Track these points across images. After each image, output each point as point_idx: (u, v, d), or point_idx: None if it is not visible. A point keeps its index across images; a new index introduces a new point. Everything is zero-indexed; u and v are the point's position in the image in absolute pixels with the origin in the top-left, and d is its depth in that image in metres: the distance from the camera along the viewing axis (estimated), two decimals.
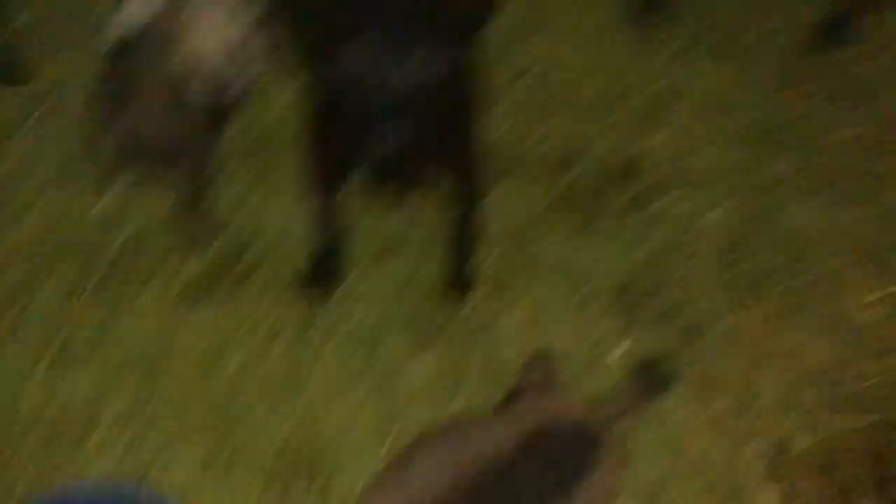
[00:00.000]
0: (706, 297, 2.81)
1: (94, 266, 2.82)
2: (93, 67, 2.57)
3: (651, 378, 2.15)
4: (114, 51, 2.47)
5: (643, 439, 2.60)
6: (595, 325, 2.75)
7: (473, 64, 2.19)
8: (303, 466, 2.49)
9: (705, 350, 2.71)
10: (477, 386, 2.62)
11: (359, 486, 2.46)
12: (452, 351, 2.69)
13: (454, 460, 1.90)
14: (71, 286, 2.80)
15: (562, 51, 3.32)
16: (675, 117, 3.21)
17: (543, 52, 3.29)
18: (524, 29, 3.33)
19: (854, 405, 2.59)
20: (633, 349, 2.68)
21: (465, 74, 2.07)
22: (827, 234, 2.93)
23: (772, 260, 2.88)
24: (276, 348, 2.68)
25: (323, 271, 2.69)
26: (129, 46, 2.45)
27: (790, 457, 2.51)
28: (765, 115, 3.25)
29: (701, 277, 2.85)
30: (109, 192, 2.98)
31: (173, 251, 2.84)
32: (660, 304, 2.80)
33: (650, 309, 2.78)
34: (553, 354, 2.30)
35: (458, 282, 2.76)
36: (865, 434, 2.52)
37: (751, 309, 2.78)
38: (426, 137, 1.98)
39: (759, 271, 2.86)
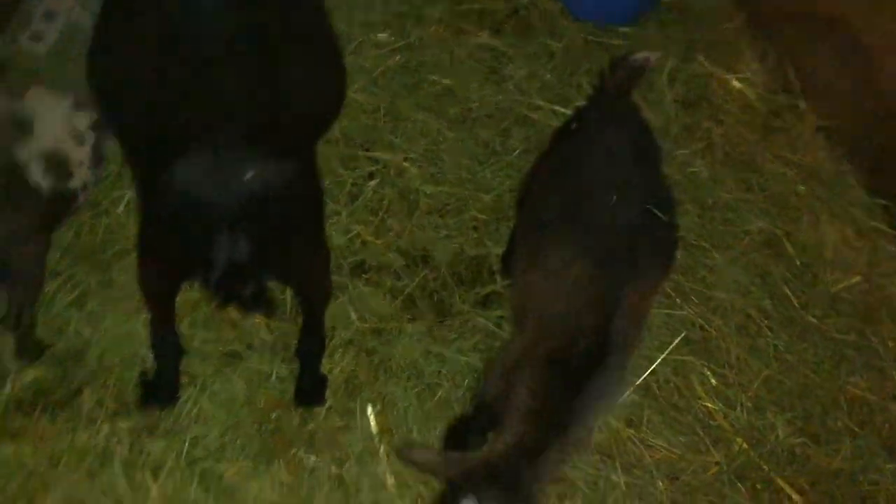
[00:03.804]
0: None
1: None
2: None
3: None
4: None
5: None
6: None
7: (311, 172, 2.18)
8: None
9: None
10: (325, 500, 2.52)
11: None
12: (301, 464, 2.58)
13: None
14: None
15: (401, 162, 3.37)
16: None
17: (384, 161, 3.33)
18: (373, 133, 3.38)
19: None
20: None
21: (302, 184, 2.04)
22: None
23: None
24: (108, 473, 2.47)
25: (160, 388, 2.54)
26: None
27: None
28: None
29: None
30: None
31: None
32: None
33: None
34: None
35: (309, 391, 2.67)
36: None
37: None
38: (262, 250, 1.92)
39: None
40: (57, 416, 2.55)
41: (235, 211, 1.83)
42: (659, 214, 2.45)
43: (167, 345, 2.39)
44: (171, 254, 2.00)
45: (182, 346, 2.47)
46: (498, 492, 2.16)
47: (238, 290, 1.99)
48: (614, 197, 2.45)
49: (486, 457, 2.25)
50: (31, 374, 2.58)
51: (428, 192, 3.27)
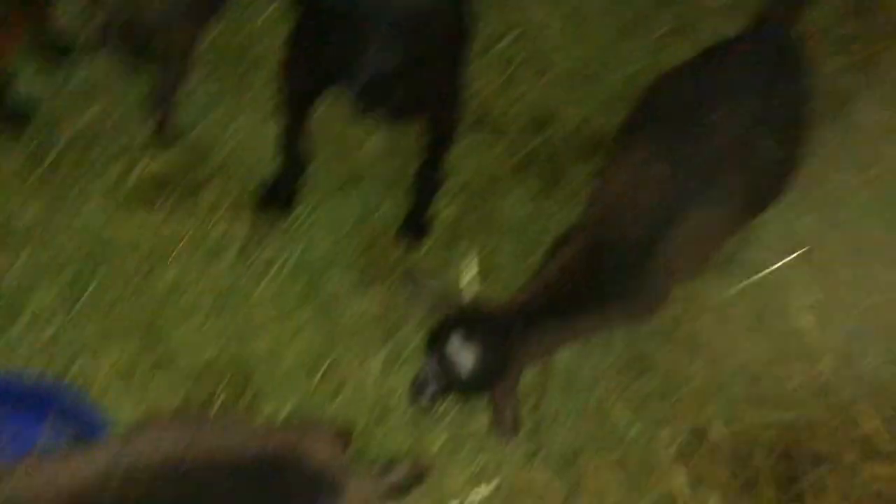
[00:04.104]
0: None
1: (47, 148, 2.73)
2: None
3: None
4: None
5: (566, 406, 2.66)
6: None
7: (467, 5, 2.16)
8: (228, 385, 2.48)
9: (641, 329, 2.75)
10: (412, 334, 2.62)
11: (284, 413, 2.47)
12: (396, 294, 2.68)
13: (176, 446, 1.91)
14: (19, 166, 2.70)
15: (545, 19, 3.29)
16: None
17: (526, 17, 3.26)
18: None
19: (773, 403, 2.68)
20: None
21: (457, 12, 2.03)
22: None
23: None
24: (218, 265, 2.64)
25: (279, 194, 2.64)
26: None
27: (705, 443, 2.59)
28: None
29: None
30: (85, 67, 2.87)
31: (131, 147, 2.75)
32: None
33: None
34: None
35: (415, 226, 2.74)
36: (778, 432, 2.60)
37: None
38: (412, 67, 1.94)
39: None
40: (178, 205, 2.71)
41: (392, 21, 1.84)
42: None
43: (294, 154, 2.47)
44: (320, 57, 2.03)
45: (307, 159, 2.54)
46: (484, 336, 2.24)
47: (378, 101, 2.02)
48: (718, 118, 2.38)
49: (490, 306, 2.33)
50: (161, 159, 2.72)
51: (563, 56, 3.21)
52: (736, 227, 2.63)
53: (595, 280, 2.32)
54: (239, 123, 2.82)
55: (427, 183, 2.60)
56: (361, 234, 2.76)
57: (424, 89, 2.12)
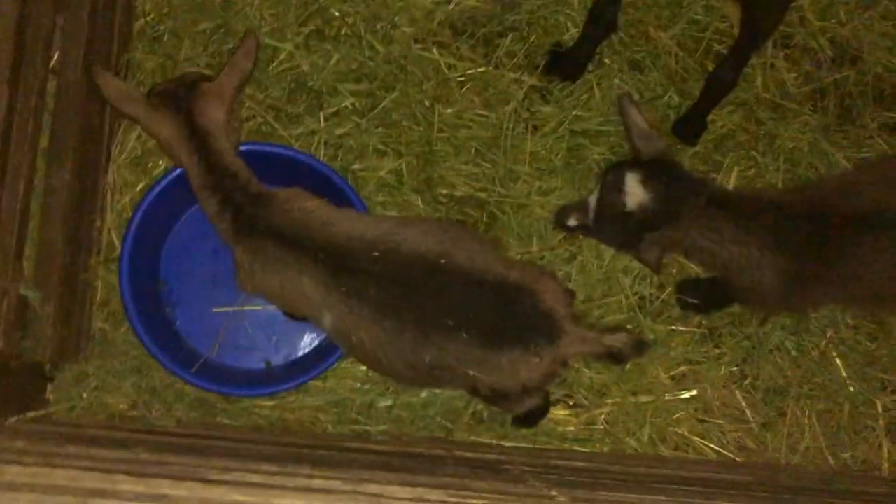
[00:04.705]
0: None
1: None
2: None
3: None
4: None
5: (785, 343, 2.74)
6: None
7: None
8: (478, 221, 2.69)
9: None
10: None
11: (524, 258, 2.64)
12: None
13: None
14: None
15: None
16: None
17: None
18: None
19: None
20: None
21: None
22: None
23: None
24: (498, 110, 2.78)
25: (574, 58, 2.72)
26: None
27: None
28: None
29: None
30: None
31: None
32: None
33: None
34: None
35: (692, 125, 2.75)
36: None
37: None
38: None
39: None
40: (476, 48, 2.85)
41: None
42: None
43: (603, 19, 2.50)
44: None
45: (611, 30, 2.58)
46: (658, 186, 2.33)
47: None
48: None
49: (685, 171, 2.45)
50: (471, 2, 2.85)
51: None
52: None
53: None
54: None
55: (720, 84, 2.56)
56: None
57: None
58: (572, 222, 2.49)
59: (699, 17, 2.89)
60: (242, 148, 2.46)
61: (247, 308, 2.66)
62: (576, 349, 2.19)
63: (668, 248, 2.47)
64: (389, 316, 2.12)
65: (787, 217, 2.34)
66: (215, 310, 2.68)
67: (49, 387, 2.51)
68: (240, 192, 2.25)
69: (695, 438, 2.67)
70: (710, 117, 2.77)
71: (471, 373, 2.14)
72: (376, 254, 2.12)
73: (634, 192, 2.34)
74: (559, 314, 2.16)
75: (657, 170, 2.36)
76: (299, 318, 2.50)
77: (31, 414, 2.37)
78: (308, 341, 2.69)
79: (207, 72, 2.59)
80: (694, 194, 2.36)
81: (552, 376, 2.23)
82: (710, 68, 2.73)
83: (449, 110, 2.78)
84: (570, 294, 2.48)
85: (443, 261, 2.12)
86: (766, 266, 2.34)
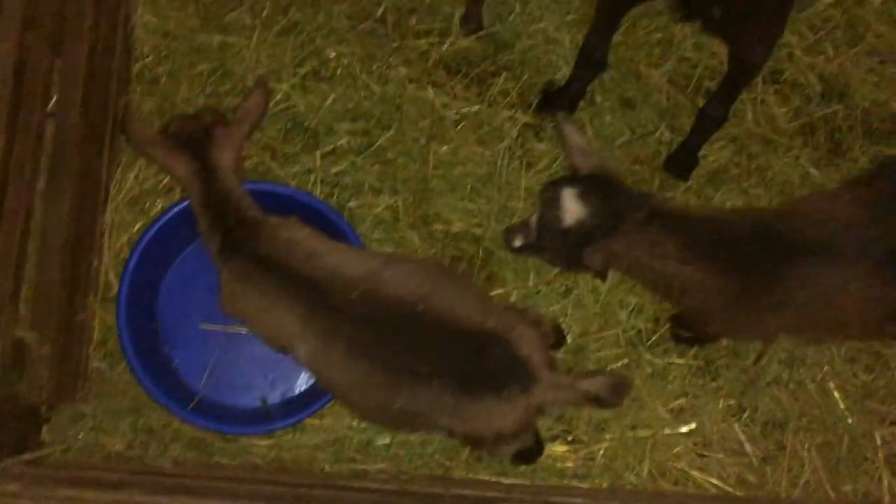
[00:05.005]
0: None
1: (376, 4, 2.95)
2: None
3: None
4: None
5: (782, 376, 2.74)
6: None
7: None
8: (472, 258, 2.71)
9: None
10: None
11: (513, 297, 2.65)
12: None
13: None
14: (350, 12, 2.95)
15: None
16: None
17: None
18: None
19: None
20: None
21: None
22: None
23: None
24: (492, 148, 2.82)
25: (566, 96, 2.75)
26: None
27: None
28: None
29: None
30: None
31: (441, 27, 2.95)
32: None
33: None
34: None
35: (684, 159, 2.77)
36: None
37: None
38: None
39: None
40: (469, 87, 2.90)
41: None
42: None
43: (593, 58, 2.55)
44: None
45: (602, 68, 2.62)
46: (598, 202, 2.31)
47: (697, 11, 2.04)
48: None
49: (625, 184, 2.42)
50: (465, 43, 2.91)
51: (877, 33, 3.04)
52: None
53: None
54: (539, 26, 2.94)
55: (710, 119, 2.60)
56: (630, 153, 2.83)
57: (746, 10, 2.10)
58: (517, 243, 2.46)
59: (689, 54, 2.94)
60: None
61: (233, 331, 2.65)
62: (550, 396, 2.15)
63: (612, 261, 2.43)
64: (362, 357, 2.11)
65: (731, 236, 2.33)
66: (201, 326, 2.69)
67: (45, 427, 2.49)
68: (233, 215, 2.30)
69: (695, 473, 2.65)
70: (701, 152, 2.80)
71: (442, 421, 2.13)
72: (354, 295, 2.12)
73: (571, 207, 2.33)
74: (533, 361, 2.13)
75: (594, 185, 2.36)
76: (278, 349, 2.49)
77: (26, 456, 2.36)
78: (304, 379, 2.68)
79: (220, 109, 2.65)
80: (633, 208, 2.34)
81: (527, 424, 2.19)
82: (701, 104, 2.75)
83: (444, 148, 2.82)
84: (558, 334, 2.47)
85: (420, 307, 2.11)
86: (709, 286, 2.33)
